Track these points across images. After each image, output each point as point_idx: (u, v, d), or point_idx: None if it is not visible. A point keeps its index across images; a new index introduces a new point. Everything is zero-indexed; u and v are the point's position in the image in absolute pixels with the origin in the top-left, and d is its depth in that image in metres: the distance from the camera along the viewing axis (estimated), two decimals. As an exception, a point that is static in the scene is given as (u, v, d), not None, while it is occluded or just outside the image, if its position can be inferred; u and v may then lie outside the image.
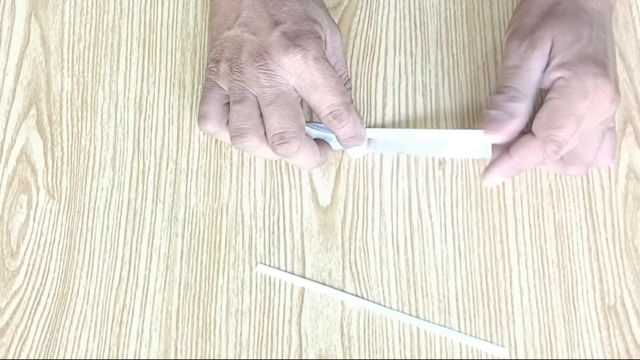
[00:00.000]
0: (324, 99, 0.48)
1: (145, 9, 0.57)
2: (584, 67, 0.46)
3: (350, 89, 0.52)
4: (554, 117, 0.46)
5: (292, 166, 0.52)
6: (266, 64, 0.47)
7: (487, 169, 0.49)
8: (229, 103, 0.49)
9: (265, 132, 0.48)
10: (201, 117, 0.49)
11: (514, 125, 0.47)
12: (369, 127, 0.53)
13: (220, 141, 0.53)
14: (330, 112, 0.48)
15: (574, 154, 0.49)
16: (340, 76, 0.50)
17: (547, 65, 0.48)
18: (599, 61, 0.47)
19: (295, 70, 0.47)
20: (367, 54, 0.55)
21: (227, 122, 0.49)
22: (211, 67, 0.49)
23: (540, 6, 0.50)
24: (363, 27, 0.56)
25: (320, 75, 0.47)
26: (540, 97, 0.50)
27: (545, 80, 0.48)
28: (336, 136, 0.50)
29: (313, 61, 0.47)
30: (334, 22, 0.51)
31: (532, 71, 0.48)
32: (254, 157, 0.53)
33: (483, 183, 0.50)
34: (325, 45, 0.50)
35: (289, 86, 0.48)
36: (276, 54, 0.47)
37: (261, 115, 0.48)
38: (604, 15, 0.49)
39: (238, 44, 0.48)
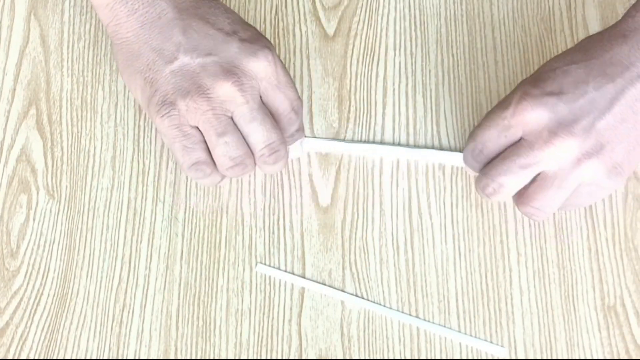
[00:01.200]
0: (288, 96, 0.47)
1: (145, 8, 0.57)
2: (523, 83, 0.46)
3: None
4: (483, 119, 0.48)
5: (292, 166, 0.52)
6: (239, 78, 0.45)
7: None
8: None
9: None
10: (193, 167, 0.46)
11: None
12: (369, 128, 0.53)
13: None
14: (292, 108, 0.48)
15: (526, 194, 0.46)
16: None
17: None
18: (543, 86, 0.44)
19: (265, 74, 0.46)
20: (367, 54, 0.55)
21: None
22: (168, 113, 0.45)
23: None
24: (363, 27, 0.56)
25: (284, 73, 0.47)
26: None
27: None
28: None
29: (277, 60, 0.47)
30: None
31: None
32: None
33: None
34: None
35: (259, 94, 0.47)
36: (246, 63, 0.45)
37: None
38: (614, 70, 0.44)
39: (192, 73, 0.45)
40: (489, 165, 0.47)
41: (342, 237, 0.51)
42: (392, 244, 0.51)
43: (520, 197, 0.47)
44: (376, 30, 0.56)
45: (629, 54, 0.44)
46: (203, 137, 0.47)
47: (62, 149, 0.53)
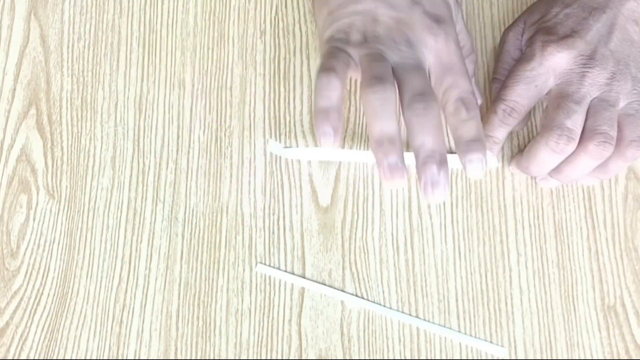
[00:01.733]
0: (457, 83, 0.45)
1: (145, 8, 0.57)
2: (535, 36, 0.50)
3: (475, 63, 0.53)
4: (506, 80, 0.50)
5: (292, 166, 0.52)
6: (408, 37, 0.45)
7: None
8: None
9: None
10: (326, 69, 0.43)
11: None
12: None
13: (220, 141, 0.53)
14: (461, 98, 0.44)
15: (586, 129, 0.47)
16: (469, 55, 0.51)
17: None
18: (556, 32, 0.49)
19: (436, 51, 0.45)
20: (367, 54, 0.55)
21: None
22: (339, 38, 0.45)
23: None
24: (363, 27, 0.56)
25: (458, 59, 0.45)
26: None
27: None
28: (456, 139, 0.43)
29: (454, 44, 0.46)
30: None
31: (507, 53, 0.53)
32: (254, 157, 0.53)
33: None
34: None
35: (425, 60, 0.45)
36: (419, 31, 0.45)
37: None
38: (600, 3, 0.49)
39: (372, 17, 0.46)
40: (547, 122, 0.47)
41: (342, 237, 0.51)
42: (392, 244, 0.51)
43: (581, 137, 0.47)
44: (376, 30, 0.56)
45: None
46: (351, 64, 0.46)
47: (62, 149, 0.53)
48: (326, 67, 0.43)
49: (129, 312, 0.50)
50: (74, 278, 0.50)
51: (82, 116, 0.54)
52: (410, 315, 0.50)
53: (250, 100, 0.54)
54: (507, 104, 0.49)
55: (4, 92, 0.55)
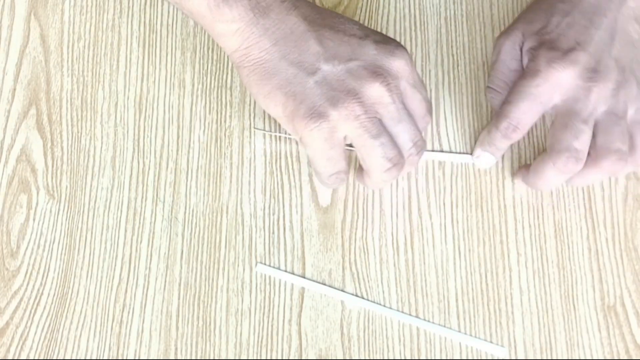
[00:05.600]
0: (424, 97, 0.47)
1: (145, 8, 0.57)
2: (539, 50, 0.48)
3: None
4: (510, 96, 0.48)
5: (292, 166, 0.52)
6: (385, 78, 0.45)
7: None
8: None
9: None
10: (334, 176, 0.47)
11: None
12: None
13: (220, 141, 0.53)
14: (428, 110, 0.48)
15: (598, 146, 0.47)
16: None
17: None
18: (560, 46, 0.47)
19: (404, 73, 0.46)
20: (367, 54, 0.55)
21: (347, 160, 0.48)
22: (317, 125, 0.45)
23: (528, 4, 0.52)
24: (363, 27, 0.56)
25: (416, 72, 0.47)
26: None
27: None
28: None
29: (410, 58, 0.47)
30: None
31: (503, 62, 0.50)
32: (254, 157, 0.53)
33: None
34: None
35: (401, 93, 0.46)
36: (387, 62, 0.45)
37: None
38: (600, 6, 0.48)
39: (337, 80, 0.45)
40: (555, 143, 0.47)
41: (342, 237, 0.51)
42: (392, 244, 0.51)
43: (593, 154, 0.47)
44: (376, 30, 0.56)
45: None
46: (344, 145, 0.47)
47: (62, 149, 0.53)
48: (338, 171, 0.47)
49: (129, 312, 0.50)
50: (74, 278, 0.50)
51: (82, 116, 0.54)
52: (410, 315, 0.50)
53: (250, 100, 0.54)
54: (510, 121, 0.48)
55: (4, 92, 0.55)
